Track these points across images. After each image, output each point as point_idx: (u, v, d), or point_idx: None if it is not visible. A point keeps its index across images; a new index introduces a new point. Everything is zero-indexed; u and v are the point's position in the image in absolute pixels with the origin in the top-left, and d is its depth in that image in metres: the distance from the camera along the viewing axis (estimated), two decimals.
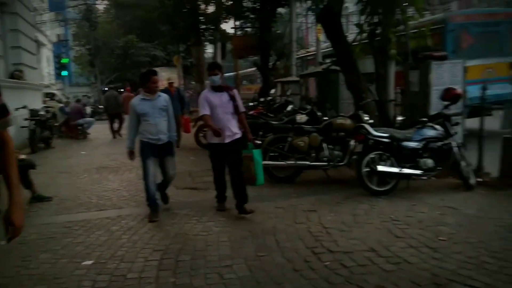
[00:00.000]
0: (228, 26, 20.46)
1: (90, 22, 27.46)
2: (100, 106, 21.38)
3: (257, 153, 4.63)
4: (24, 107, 9.66)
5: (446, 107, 5.40)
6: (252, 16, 14.65)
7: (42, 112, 10.63)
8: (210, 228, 4.22)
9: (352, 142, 5.75)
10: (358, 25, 6.54)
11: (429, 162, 5.18)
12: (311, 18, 20.66)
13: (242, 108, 4.69)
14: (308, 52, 16.89)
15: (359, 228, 4.02)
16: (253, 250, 3.60)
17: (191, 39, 16.08)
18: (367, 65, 6.95)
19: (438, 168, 5.24)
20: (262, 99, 10.86)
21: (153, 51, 27.90)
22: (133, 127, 4.63)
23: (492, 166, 5.45)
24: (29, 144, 9.62)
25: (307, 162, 5.86)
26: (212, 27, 15.11)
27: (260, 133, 6.84)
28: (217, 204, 4.85)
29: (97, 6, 31.59)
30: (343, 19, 7.14)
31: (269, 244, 3.72)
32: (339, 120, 5.98)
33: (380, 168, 5.05)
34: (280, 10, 14.76)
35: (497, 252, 3.31)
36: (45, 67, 23.12)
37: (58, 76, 25.95)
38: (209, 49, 23.62)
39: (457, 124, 5.49)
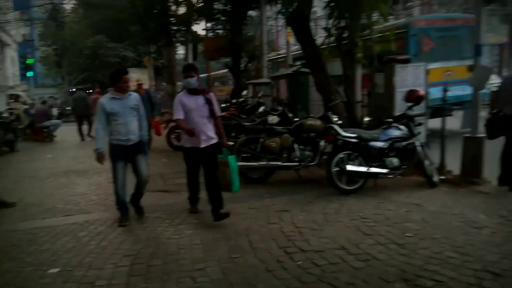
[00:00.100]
0: (200, 28, 20.38)
1: (57, 22, 26.58)
2: (67, 108, 20.76)
3: (232, 159, 4.55)
4: None
5: (409, 108, 5.61)
6: (223, 18, 14.64)
7: (5, 114, 10.31)
8: (182, 231, 4.18)
9: (322, 143, 5.86)
10: (326, 29, 6.69)
11: (395, 161, 5.36)
12: (281, 21, 20.83)
13: (218, 112, 4.52)
14: (279, 54, 17.02)
15: (330, 227, 4.11)
16: (226, 252, 3.60)
17: (162, 40, 15.89)
18: (335, 67, 7.07)
19: (403, 166, 5.43)
20: (234, 101, 10.87)
21: (123, 51, 27.28)
22: (102, 128, 4.40)
23: (454, 164, 5.69)
24: None
25: (279, 163, 5.93)
26: (183, 28, 14.97)
27: (233, 134, 6.84)
28: (190, 206, 4.80)
29: (64, 5, 30.69)
30: (311, 23, 7.27)
31: (242, 245, 3.73)
32: (310, 121, 6.08)
33: (349, 167, 5.18)
34: (251, 12, 14.80)
35: (460, 247, 3.46)
36: (9, 68, 22.27)
37: (23, 77, 25.01)
38: (180, 51, 23.43)
39: (420, 124, 5.71)
